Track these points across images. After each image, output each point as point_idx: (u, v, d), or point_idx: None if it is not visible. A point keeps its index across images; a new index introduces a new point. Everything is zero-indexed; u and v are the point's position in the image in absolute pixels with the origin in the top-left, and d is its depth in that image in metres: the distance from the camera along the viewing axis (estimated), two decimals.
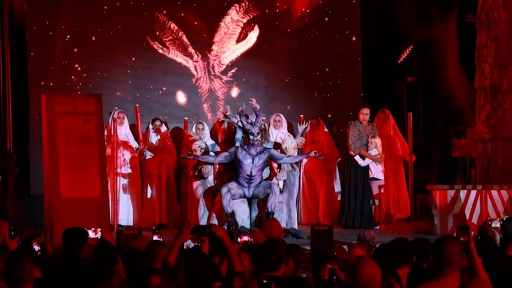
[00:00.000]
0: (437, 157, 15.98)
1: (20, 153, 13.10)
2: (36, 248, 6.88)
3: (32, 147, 13.82)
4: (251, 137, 11.69)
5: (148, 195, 13.41)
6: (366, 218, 12.83)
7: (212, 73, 14.77)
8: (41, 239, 7.00)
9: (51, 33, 14.18)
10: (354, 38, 15.16)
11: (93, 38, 14.35)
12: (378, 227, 12.70)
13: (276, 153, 11.89)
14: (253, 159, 11.68)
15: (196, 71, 14.74)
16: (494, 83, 12.94)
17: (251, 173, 11.68)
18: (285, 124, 13.55)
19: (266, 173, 12.08)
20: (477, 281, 5.10)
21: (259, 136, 11.81)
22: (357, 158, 12.93)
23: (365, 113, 13.10)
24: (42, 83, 14.10)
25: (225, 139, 12.81)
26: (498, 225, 8.35)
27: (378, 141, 13.03)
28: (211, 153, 12.25)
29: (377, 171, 13.01)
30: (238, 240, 6.67)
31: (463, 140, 14.83)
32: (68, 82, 14.15)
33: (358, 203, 12.88)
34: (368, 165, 12.93)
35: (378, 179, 13.02)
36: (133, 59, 14.53)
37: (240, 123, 11.86)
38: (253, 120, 11.79)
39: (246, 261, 6.32)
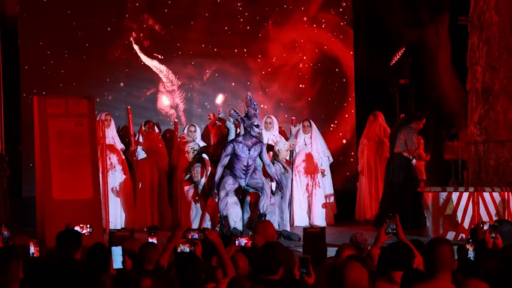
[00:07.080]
0: (429, 159, 15.98)
1: (11, 155, 13.06)
2: (33, 249, 6.82)
3: (24, 149, 13.78)
4: (256, 129, 11.45)
5: (140, 198, 13.40)
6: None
7: (200, 76, 14.79)
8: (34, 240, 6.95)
9: (42, 36, 14.13)
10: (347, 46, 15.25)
11: (87, 44, 14.32)
12: None
13: (265, 155, 11.77)
14: (249, 150, 11.58)
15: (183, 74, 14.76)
16: (486, 85, 12.97)
17: (247, 163, 11.62)
18: (276, 126, 13.55)
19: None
20: (474, 282, 5.12)
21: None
22: (414, 160, 13.16)
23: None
24: (35, 85, 14.05)
25: (217, 141, 12.78)
26: None
27: None
28: (205, 155, 12.21)
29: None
30: (236, 242, 6.57)
31: (455, 142, 14.84)
32: (59, 84, 14.11)
33: (410, 202, 12.80)
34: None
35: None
36: (124, 64, 14.52)
37: (240, 118, 11.56)
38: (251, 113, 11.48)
39: (242, 263, 6.29)
